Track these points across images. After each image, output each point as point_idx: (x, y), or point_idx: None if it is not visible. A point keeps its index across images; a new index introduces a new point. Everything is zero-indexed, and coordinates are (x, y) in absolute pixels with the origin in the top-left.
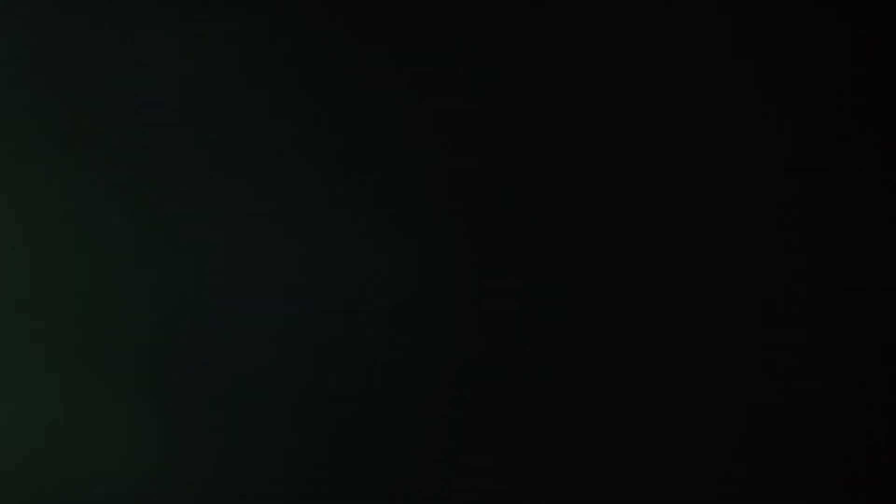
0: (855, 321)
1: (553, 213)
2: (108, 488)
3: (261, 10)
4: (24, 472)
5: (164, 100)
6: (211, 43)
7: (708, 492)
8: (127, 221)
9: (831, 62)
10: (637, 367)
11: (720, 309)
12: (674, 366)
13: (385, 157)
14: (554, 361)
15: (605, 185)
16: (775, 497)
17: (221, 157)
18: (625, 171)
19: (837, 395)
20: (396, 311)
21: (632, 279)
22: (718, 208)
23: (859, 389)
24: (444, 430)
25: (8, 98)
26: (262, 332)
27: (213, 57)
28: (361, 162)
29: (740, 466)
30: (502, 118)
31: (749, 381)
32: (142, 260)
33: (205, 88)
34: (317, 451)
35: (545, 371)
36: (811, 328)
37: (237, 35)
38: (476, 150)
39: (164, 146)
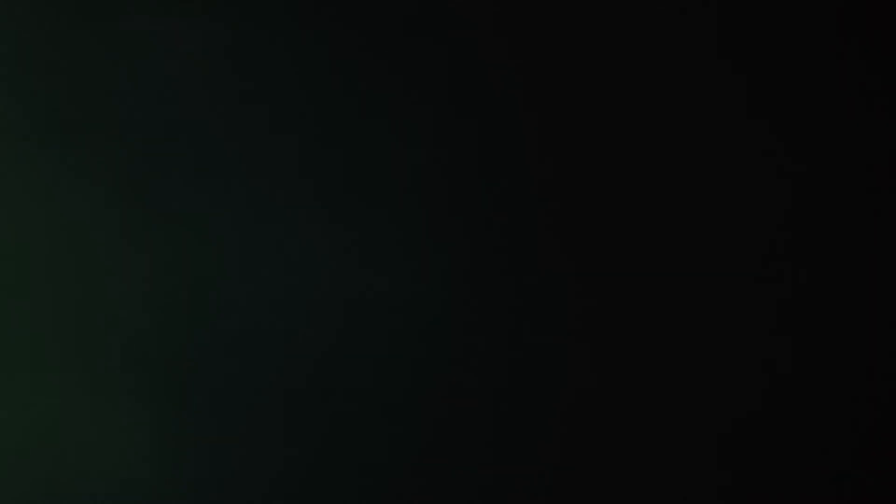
0: (853, 319)
1: (553, 225)
2: (105, 489)
3: (263, 13)
4: (21, 472)
5: (164, 102)
6: (211, 46)
7: (706, 492)
8: (125, 222)
9: (831, 62)
10: (636, 372)
11: (719, 308)
12: (673, 370)
13: (383, 163)
14: (553, 374)
15: (604, 192)
16: (774, 494)
17: (220, 162)
18: (624, 175)
19: (835, 391)
20: (396, 313)
21: (630, 286)
22: (716, 208)
23: (857, 386)
24: (443, 436)
25: (5, 98)
26: (261, 335)
27: (213, 62)
28: (360, 162)
29: (738, 466)
30: (500, 128)
31: (748, 382)
32: (139, 261)
33: (204, 93)
34: (315, 453)
35: (545, 382)
36: (808, 323)
37: (238, 39)
38: (476, 161)
39: (163, 150)
